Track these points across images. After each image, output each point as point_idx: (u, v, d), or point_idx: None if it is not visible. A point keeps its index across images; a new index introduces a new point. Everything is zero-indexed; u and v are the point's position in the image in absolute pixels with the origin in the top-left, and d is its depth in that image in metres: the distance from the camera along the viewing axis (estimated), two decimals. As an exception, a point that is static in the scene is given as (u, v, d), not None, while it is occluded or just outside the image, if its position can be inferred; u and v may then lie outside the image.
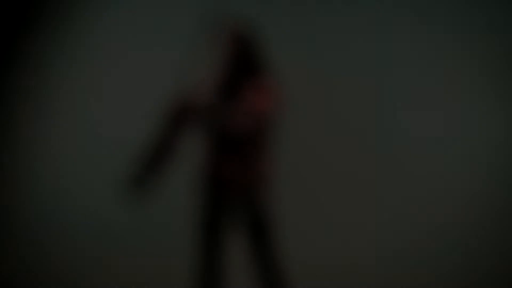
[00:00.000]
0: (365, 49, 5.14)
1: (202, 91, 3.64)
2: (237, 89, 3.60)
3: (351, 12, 5.17)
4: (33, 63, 5.55)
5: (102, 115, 5.48)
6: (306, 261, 4.76)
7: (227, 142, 3.57)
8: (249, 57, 3.62)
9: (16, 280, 5.29)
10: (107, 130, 5.45)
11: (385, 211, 5.12)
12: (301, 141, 5.02)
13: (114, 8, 5.47)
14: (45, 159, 5.54)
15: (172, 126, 3.61)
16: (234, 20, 3.66)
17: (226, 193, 3.62)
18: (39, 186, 5.54)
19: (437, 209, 5.12)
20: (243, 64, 3.62)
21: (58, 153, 5.53)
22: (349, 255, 5.04)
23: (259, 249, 3.63)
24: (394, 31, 5.15)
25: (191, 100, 3.61)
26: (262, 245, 3.62)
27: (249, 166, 3.60)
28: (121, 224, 5.35)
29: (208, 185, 3.65)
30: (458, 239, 5.09)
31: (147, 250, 5.25)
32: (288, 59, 4.13)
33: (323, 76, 5.16)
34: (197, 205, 3.69)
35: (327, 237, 5.08)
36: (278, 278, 3.63)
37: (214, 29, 3.66)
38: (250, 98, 3.56)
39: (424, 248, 5.08)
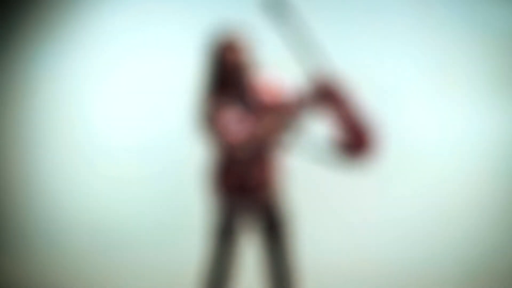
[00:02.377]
0: (363, 49, 5.13)
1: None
2: (245, 93, 3.58)
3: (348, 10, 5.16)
4: (31, 62, 5.56)
5: (103, 117, 5.47)
6: (319, 266, 4.74)
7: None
8: (245, 63, 3.58)
9: (16, 281, 5.28)
10: (108, 132, 5.45)
11: (396, 214, 5.11)
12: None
13: (115, 10, 5.49)
14: (45, 161, 5.53)
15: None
16: (228, 29, 3.63)
17: (243, 196, 3.58)
18: (39, 189, 5.53)
19: (446, 213, 5.12)
20: (241, 70, 3.58)
21: (58, 154, 5.51)
22: (362, 260, 5.03)
23: (273, 253, 3.60)
24: (393, 33, 5.14)
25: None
26: (277, 250, 3.59)
27: (267, 170, 3.57)
28: (128, 228, 5.36)
29: (224, 188, 3.61)
30: (466, 240, 5.08)
31: (156, 253, 5.24)
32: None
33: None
34: (211, 209, 3.68)
35: (340, 241, 5.08)
36: (290, 283, 3.61)
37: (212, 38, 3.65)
38: (261, 97, 3.55)
39: (435, 251, 5.07)
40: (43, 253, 5.40)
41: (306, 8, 5.13)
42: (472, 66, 5.09)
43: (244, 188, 3.56)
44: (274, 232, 3.58)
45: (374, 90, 5.11)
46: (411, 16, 5.10)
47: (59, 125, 5.51)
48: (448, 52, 5.11)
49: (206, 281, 3.61)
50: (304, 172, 4.81)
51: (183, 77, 4.45)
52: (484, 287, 4.88)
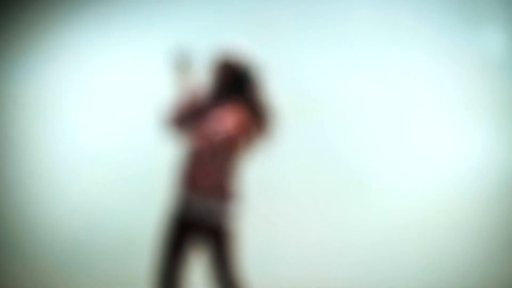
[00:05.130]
0: (359, 67, 5.09)
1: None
2: (213, 108, 3.80)
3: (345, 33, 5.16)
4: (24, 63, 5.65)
5: (82, 123, 5.53)
6: (269, 280, 4.75)
7: (201, 153, 3.73)
8: (234, 83, 3.81)
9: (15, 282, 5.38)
10: (87, 139, 5.51)
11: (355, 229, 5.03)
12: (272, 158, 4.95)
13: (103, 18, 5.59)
14: (25, 166, 5.61)
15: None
16: (225, 48, 3.84)
17: (195, 194, 3.71)
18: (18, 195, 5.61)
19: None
20: (227, 88, 3.81)
21: (38, 161, 5.58)
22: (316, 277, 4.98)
23: (216, 261, 3.69)
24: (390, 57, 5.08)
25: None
26: (222, 257, 3.69)
27: (218, 179, 3.72)
28: (109, 231, 5.36)
29: (181, 183, 3.75)
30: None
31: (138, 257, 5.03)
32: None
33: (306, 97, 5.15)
34: (172, 202, 3.79)
35: (289, 256, 5.05)
36: None
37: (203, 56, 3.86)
38: (218, 119, 3.73)
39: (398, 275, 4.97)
40: (23, 264, 5.45)
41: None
42: (472, 91, 4.92)
43: (194, 185, 3.71)
44: (217, 238, 3.67)
45: (368, 112, 5.07)
46: (412, 35, 5.03)
47: (38, 132, 5.57)
48: (447, 80, 4.96)
49: (158, 274, 3.71)
50: (261, 185, 4.92)
51: (156, 88, 4.61)
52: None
